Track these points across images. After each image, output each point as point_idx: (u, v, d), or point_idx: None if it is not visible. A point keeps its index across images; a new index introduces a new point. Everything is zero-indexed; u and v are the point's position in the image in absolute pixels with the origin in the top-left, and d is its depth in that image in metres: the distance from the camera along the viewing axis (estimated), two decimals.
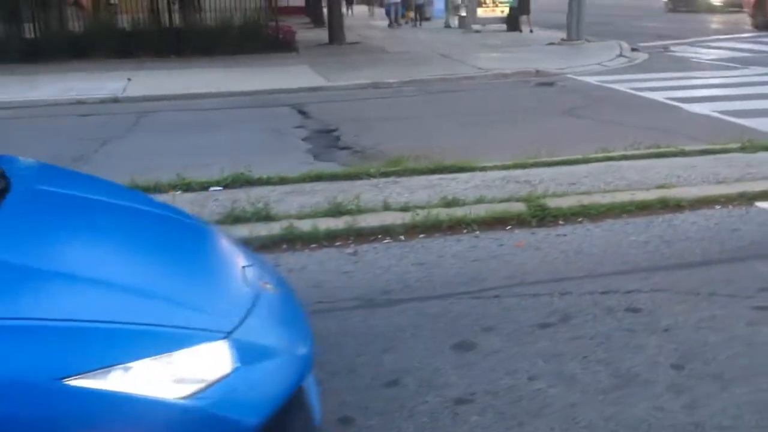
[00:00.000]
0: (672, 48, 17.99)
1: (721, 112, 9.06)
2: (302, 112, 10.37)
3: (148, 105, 11.38)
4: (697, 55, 16.15)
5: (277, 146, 8.09)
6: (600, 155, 6.46)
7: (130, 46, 17.51)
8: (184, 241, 2.70)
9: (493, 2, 24.62)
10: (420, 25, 29.06)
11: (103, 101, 11.80)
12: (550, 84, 12.72)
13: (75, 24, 18.50)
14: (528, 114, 9.78)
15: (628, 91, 11.26)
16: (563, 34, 20.01)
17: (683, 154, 6.49)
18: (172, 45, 17.65)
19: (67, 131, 9.20)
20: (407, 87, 12.79)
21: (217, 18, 19.18)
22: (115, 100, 11.88)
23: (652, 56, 16.52)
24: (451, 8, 27.79)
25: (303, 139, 8.44)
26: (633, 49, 17.79)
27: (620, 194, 5.27)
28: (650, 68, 14.37)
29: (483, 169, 6.09)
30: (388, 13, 31.47)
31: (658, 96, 10.55)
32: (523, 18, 23.97)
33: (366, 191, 5.44)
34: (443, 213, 4.82)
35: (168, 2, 18.56)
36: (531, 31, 23.58)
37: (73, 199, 2.75)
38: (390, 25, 29.91)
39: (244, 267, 2.56)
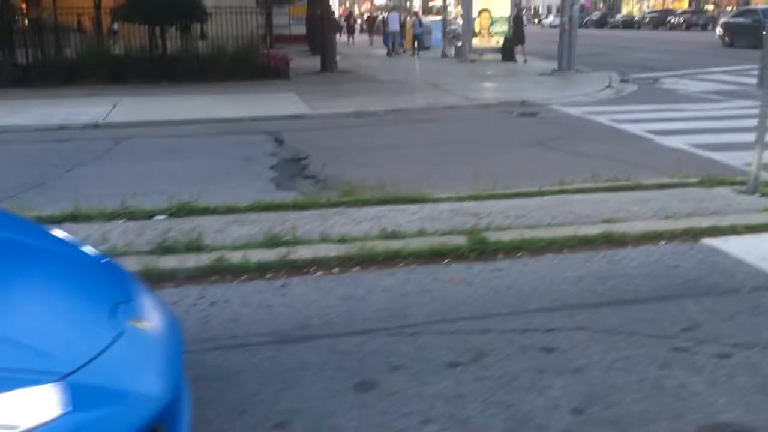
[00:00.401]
0: (661, 80, 18.02)
1: (693, 145, 9.02)
2: (279, 140, 10.37)
3: (127, 131, 11.40)
4: (686, 87, 16.15)
5: (242, 174, 8.07)
6: (555, 188, 6.41)
7: (123, 72, 17.65)
8: (48, 276, 2.62)
9: (489, 32, 24.78)
10: (418, 54, 29.27)
11: (84, 127, 11.84)
12: (533, 114, 12.72)
13: (74, 51, 18.65)
14: (501, 144, 9.76)
15: (607, 122, 11.24)
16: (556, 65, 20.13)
17: (641, 187, 6.43)
18: (163, 71, 17.77)
19: (38, 156, 9.21)
20: (390, 116, 12.81)
21: (212, 45, 19.37)
22: (96, 126, 11.92)
23: (641, 88, 16.54)
24: (448, 38, 27.98)
25: (270, 168, 8.43)
26: (623, 81, 17.85)
27: (565, 228, 5.20)
28: (635, 100, 14.38)
29: (435, 200, 6.04)
30: (386, 42, 31.76)
31: (635, 128, 10.52)
32: (518, 48, 24.15)
33: (310, 222, 5.39)
34: (380, 245, 4.76)
35: (161, 30, 18.70)
36: (525, 61, 23.74)
37: None
38: (389, 54, 30.17)
39: (118, 303, 2.50)
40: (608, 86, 16.61)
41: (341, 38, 40.46)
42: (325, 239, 4.91)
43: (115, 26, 22.86)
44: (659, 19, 55.79)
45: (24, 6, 30.06)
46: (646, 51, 29.04)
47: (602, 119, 11.53)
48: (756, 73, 16.18)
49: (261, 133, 11.02)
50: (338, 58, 26.68)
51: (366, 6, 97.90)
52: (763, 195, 6.02)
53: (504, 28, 24.57)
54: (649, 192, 6.25)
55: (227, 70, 17.99)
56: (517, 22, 24.30)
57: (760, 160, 6.14)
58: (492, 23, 24.69)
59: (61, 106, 13.56)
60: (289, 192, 7.12)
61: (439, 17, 34.02)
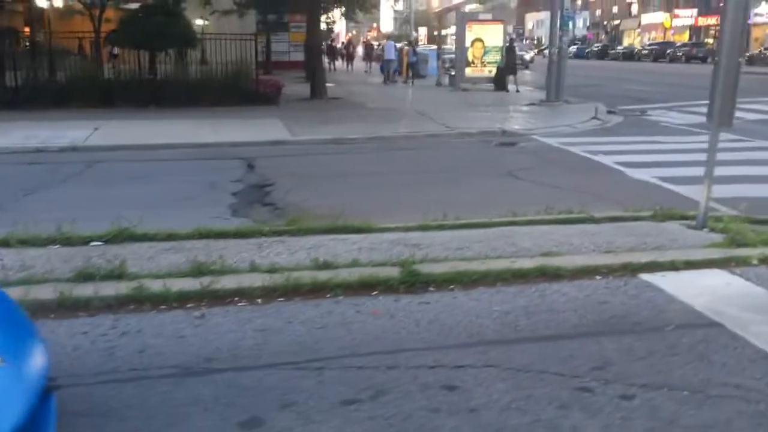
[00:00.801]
0: (649, 112, 18.02)
1: (661, 178, 8.98)
2: (251, 166, 10.37)
3: (103, 155, 11.42)
4: (671, 120, 16.14)
5: (202, 200, 8.05)
6: (505, 220, 6.35)
7: (112, 96, 17.75)
8: None
9: (482, 62, 24.89)
10: (412, 82, 29.39)
11: (62, 150, 11.86)
12: (511, 144, 12.72)
13: (66, 74, 18.79)
14: (472, 174, 9.72)
15: (582, 153, 11.20)
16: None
17: (591, 220, 6.37)
18: (152, 96, 17.87)
19: (3, 179, 9.21)
20: (368, 144, 12.81)
21: (203, 71, 19.52)
22: (74, 149, 11.93)
23: (626, 119, 16.54)
24: (442, 67, 28.11)
25: (233, 194, 8.40)
26: (609, 112, 17.85)
27: (501, 261, 5.14)
28: (617, 132, 14.38)
29: (381, 230, 5.99)
30: (382, 70, 31.95)
31: (608, 160, 10.48)
32: (510, 78, 24.22)
33: (246, 251, 5.34)
34: (307, 276, 4.70)
35: (152, 55, 18.86)
36: (517, 91, 23.82)
37: None
38: (385, 82, 30.33)
39: None
40: (593, 117, 16.60)
41: (340, 65, 40.83)
42: (254, 269, 4.85)
43: (115, 51, 23.03)
44: (659, 52, 56.06)
45: (26, 30, 30.45)
46: (642, 83, 29.11)
47: (578, 150, 11.49)
48: (745, 107, 16.20)
49: (236, 158, 11.02)
50: (332, 85, 26.90)
51: (372, 34, 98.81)
52: (712, 230, 5.95)
53: (497, 57, 24.67)
54: (598, 225, 6.19)
55: (216, 95, 18.07)
56: (509, 52, 24.41)
57: (708, 195, 6.08)
58: (485, 53, 24.79)
59: (44, 129, 13.61)
60: (243, 219, 7.09)
61: (435, 46, 34.23)
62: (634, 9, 75.52)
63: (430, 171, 10.06)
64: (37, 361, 2.65)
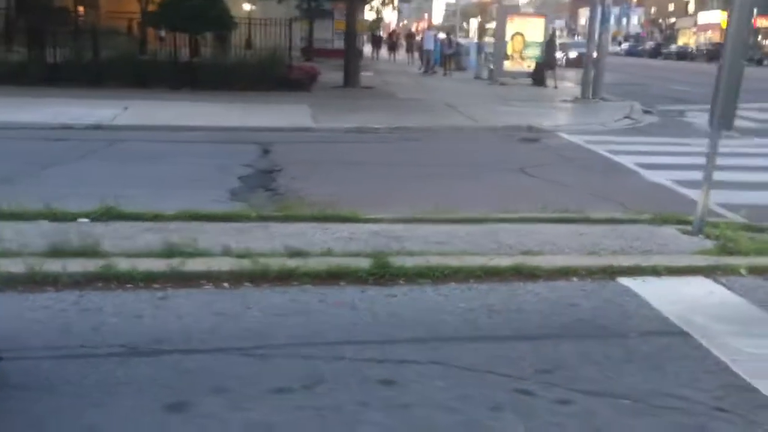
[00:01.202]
0: (688, 113, 17.55)
1: (676, 181, 8.73)
2: (266, 151, 10.43)
3: (127, 134, 11.62)
4: (706, 121, 15.65)
5: (207, 182, 8.11)
6: (497, 216, 6.26)
7: (147, 76, 18.02)
8: None
9: (521, 56, 24.56)
10: (450, 74, 29.21)
11: (88, 127, 12.08)
12: (535, 140, 12.53)
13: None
14: (484, 168, 9.61)
15: (603, 153, 10.98)
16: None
17: (586, 221, 6.24)
18: (187, 78, 18.08)
19: (26, 153, 9.46)
20: (391, 134, 12.75)
21: (239, 55, 19.72)
22: (98, 127, 12.15)
23: (661, 120, 16.15)
24: (482, 60, 27.81)
25: (239, 178, 8.46)
26: (645, 112, 17.44)
27: (478, 258, 5.06)
28: (648, 132, 14.06)
29: (367, 221, 5.96)
30: (421, 60, 31.82)
31: (628, 160, 10.25)
32: (549, 73, 23.85)
33: (226, 235, 5.37)
34: (277, 263, 4.70)
35: (190, 37, 19.07)
36: (555, 87, 23.46)
37: None
38: (425, 72, 30.20)
39: None
40: (627, 117, 16.24)
41: (385, 55, 40.75)
42: (227, 253, 4.87)
43: (162, 33, 23.38)
44: (713, 52, 54.29)
45: (82, 9, 31.13)
46: (689, 84, 28.26)
47: (600, 149, 11.26)
48: None
49: (255, 143, 11.08)
50: (370, 74, 26.89)
51: (423, 25, 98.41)
52: (707, 237, 5.76)
53: (537, 52, 24.31)
54: (590, 226, 6.06)
55: (250, 80, 18.18)
56: (549, 47, 24.02)
57: (706, 201, 5.90)
58: (525, 47, 24.45)
59: (75, 106, 13.88)
60: (240, 203, 7.12)
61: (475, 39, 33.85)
62: (691, 7, 73.56)
63: (443, 164, 9.98)
64: None
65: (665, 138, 12.87)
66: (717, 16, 66.96)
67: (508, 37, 24.44)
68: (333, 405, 3.20)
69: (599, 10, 18.81)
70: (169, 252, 4.75)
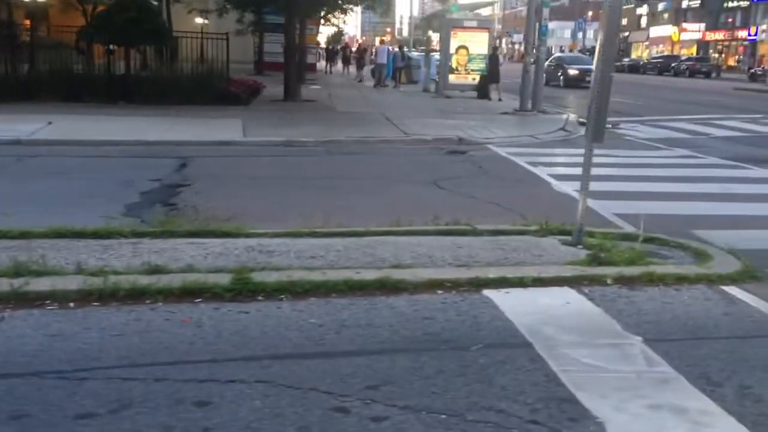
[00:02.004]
0: (622, 125, 17.78)
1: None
2: (183, 165, 10.30)
3: (42, 149, 11.37)
4: (637, 134, 15.91)
5: (105, 198, 7.94)
6: (384, 229, 6.21)
7: (81, 91, 17.72)
8: None
9: (466, 70, 24.71)
10: (399, 87, 29.33)
11: (4, 143, 11.80)
12: (462, 153, 12.56)
13: (78, 68, 18.79)
14: (398, 181, 9.57)
15: (523, 164, 11.04)
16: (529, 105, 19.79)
17: (473, 233, 6.21)
18: (122, 92, 17.83)
19: None
20: (317, 147, 12.69)
21: (175, 69, 19.51)
22: (17, 143, 11.88)
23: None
24: (428, 74, 27.95)
25: (142, 193, 8.31)
26: (581, 123, 17.61)
27: (345, 272, 4.99)
28: (576, 144, 14.12)
29: (248, 235, 5.87)
30: (373, 74, 31.89)
31: (544, 171, 10.32)
32: (493, 86, 24.03)
33: (88, 252, 5.23)
34: (128, 280, 4.57)
35: (126, 51, 18.80)
36: (500, 99, 23.61)
37: None
38: (375, 86, 30.24)
39: None
40: (561, 129, 16.39)
41: (337, 68, 40.79)
42: (80, 271, 4.73)
43: (111, 46, 23.04)
44: (664, 65, 55.67)
45: (28, 22, 30.55)
46: (633, 95, 28.75)
47: (522, 161, 11.32)
48: (721, 123, 16.02)
49: (175, 157, 10.93)
50: (318, 87, 26.88)
51: (386, 38, 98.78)
52: (585, 247, 5.76)
53: (481, 65, 24.49)
54: (475, 238, 6.03)
55: (187, 94, 17.99)
56: (492, 60, 24.23)
57: (583, 211, 5.90)
58: (469, 60, 24.63)
59: None
60: (132, 219, 6.96)
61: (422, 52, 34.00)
62: (644, 21, 75.09)
63: (359, 177, 9.92)
64: None
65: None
66: (668, 30, 68.56)
67: (453, 50, 24.57)
68: (132, 429, 3.08)
69: (535, 25, 18.98)
70: (15, 271, 4.59)
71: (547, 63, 31.87)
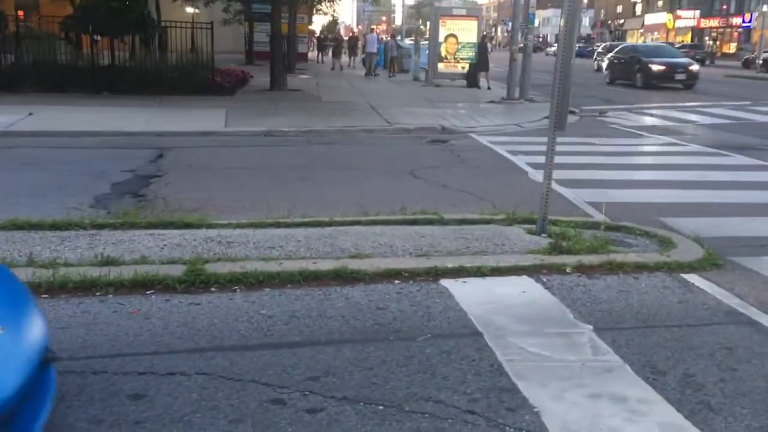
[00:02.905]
0: (609, 113, 17.74)
1: (558, 180, 8.69)
2: (160, 156, 10.23)
3: (19, 140, 11.31)
4: (622, 121, 15.86)
5: (73, 189, 7.88)
6: (350, 219, 6.18)
7: (65, 81, 17.61)
8: None
9: (455, 58, 24.60)
10: (393, 76, 29.24)
11: None
12: (443, 141, 12.49)
13: (63, 58, 18.63)
14: (373, 171, 9.52)
15: (502, 153, 11.00)
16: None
17: (439, 222, 6.18)
18: (107, 83, 17.72)
19: None
20: (298, 137, 12.62)
21: (160, 59, 19.40)
22: None
23: (581, 120, 16.25)
24: (418, 62, 27.83)
25: (113, 184, 8.25)
26: (570, 112, 17.54)
27: (302, 262, 4.95)
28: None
29: (210, 226, 5.82)
30: (364, 63, 31.74)
31: (523, 160, 10.27)
32: (482, 75, 23.94)
33: (46, 244, 5.19)
34: (78, 272, 4.53)
35: (110, 41, 18.67)
36: (489, 88, 23.52)
37: None
38: (366, 75, 30.11)
39: None
40: (546, 117, 16.28)
41: (328, 58, 40.57)
42: (30, 263, 4.68)
43: (97, 37, 22.92)
44: None
45: (21, 13, 30.32)
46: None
47: (501, 150, 11.28)
48: (709, 110, 15.92)
49: (153, 148, 10.87)
50: (307, 77, 26.76)
51: (382, 27, 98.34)
52: (549, 236, 5.73)
53: (470, 54, 24.39)
54: (440, 227, 5.99)
55: (172, 84, 17.90)
56: (481, 48, 24.12)
57: (546, 199, 5.86)
58: (459, 49, 24.51)
59: None
60: (99, 210, 6.92)
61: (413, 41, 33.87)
62: (638, 9, 74.86)
63: (335, 167, 9.86)
64: (35, 331, 2.77)
65: (573, 138, 12.89)
66: (663, 18, 68.37)
67: (441, 39, 24.46)
68: (64, 423, 3.05)
69: (522, 12, 18.88)
70: None
71: (612, 55, 28.47)
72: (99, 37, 19.45)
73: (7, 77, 17.54)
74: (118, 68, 18.51)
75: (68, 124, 12.85)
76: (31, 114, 13.62)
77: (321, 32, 56.80)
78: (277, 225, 5.94)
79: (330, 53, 41.88)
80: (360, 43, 38.83)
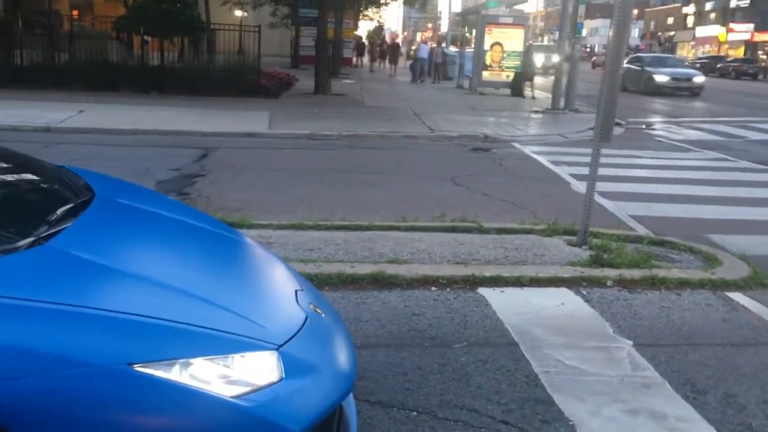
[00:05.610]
0: (656, 126, 17.48)
1: (601, 193, 8.59)
2: (204, 155, 10.40)
3: (70, 137, 11.60)
4: (669, 135, 15.60)
5: None
6: (388, 224, 6.19)
7: (116, 80, 18.02)
8: (246, 260, 3.17)
9: (500, 66, 24.50)
10: (439, 83, 29.31)
11: (35, 130, 12.07)
12: (485, 150, 12.44)
13: (114, 57, 19.15)
14: (415, 177, 9.52)
15: (545, 163, 10.91)
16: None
17: (478, 230, 6.15)
18: (155, 82, 18.07)
19: None
20: (340, 141, 12.70)
21: (208, 61, 19.74)
22: (46, 130, 12.13)
23: (626, 132, 16.04)
24: (463, 70, 27.78)
25: (159, 182, 8.40)
26: (615, 124, 17.31)
27: (340, 265, 4.98)
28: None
29: (251, 226, 5.89)
30: (412, 69, 31.83)
31: (566, 171, 10.18)
32: (527, 83, 23.79)
33: None
34: None
35: (161, 42, 19.05)
36: (533, 97, 23.38)
37: (150, 215, 3.15)
38: (412, 81, 30.21)
39: (297, 290, 2.83)
40: (591, 128, 16.12)
41: (374, 63, 40.79)
42: None
43: (147, 38, 23.47)
44: (709, 66, 54.30)
45: (75, 12, 31.18)
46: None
47: (544, 160, 11.19)
48: (758, 126, 15.51)
49: (198, 147, 11.06)
50: (351, 81, 26.92)
51: (429, 35, 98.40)
52: (590, 248, 5.66)
53: (516, 62, 24.26)
54: (479, 236, 5.96)
55: (218, 85, 18.17)
56: (527, 57, 23.97)
57: (588, 210, 5.79)
58: (504, 57, 24.39)
59: (31, 108, 13.90)
60: None
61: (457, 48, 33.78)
62: (690, 21, 73.58)
63: (377, 172, 9.89)
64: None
65: (617, 150, 12.74)
66: (715, 30, 67.09)
67: (487, 47, 24.38)
68: None
69: (568, 21, 18.73)
70: None
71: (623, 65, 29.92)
72: (149, 38, 19.91)
73: (61, 75, 18.00)
74: (167, 69, 18.87)
75: (117, 122, 13.14)
76: (81, 111, 13.98)
77: (367, 38, 57.16)
78: (317, 227, 5.98)
79: (368, 58, 42.19)
80: (404, 50, 38.91)
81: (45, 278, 2.27)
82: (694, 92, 27.82)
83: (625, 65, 28.85)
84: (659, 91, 27.44)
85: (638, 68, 29.05)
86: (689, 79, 28.21)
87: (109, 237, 2.73)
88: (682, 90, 27.69)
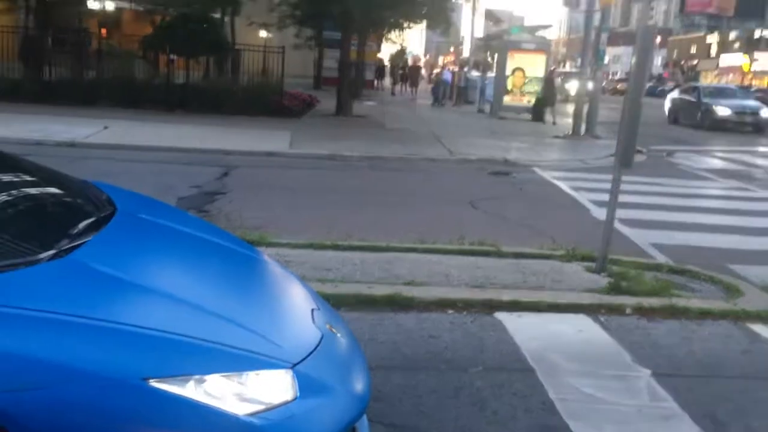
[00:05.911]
0: (678, 154, 17.37)
1: (621, 219, 8.53)
2: (225, 174, 10.48)
3: (94, 152, 11.75)
4: (691, 163, 15.48)
5: None
6: (406, 245, 6.17)
7: (142, 98, 18.27)
8: (264, 278, 3.20)
9: (520, 91, 24.54)
10: (460, 107, 29.45)
11: (60, 144, 12.25)
12: (504, 174, 12.43)
13: (140, 75, 19.46)
14: (434, 200, 9.52)
15: (565, 189, 10.87)
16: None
17: (497, 254, 6.12)
18: (180, 101, 18.29)
19: None
20: (360, 162, 12.75)
21: (232, 80, 19.98)
22: (71, 145, 12.31)
23: (648, 160, 15.92)
24: (484, 94, 27.88)
25: (180, 198, 8.47)
26: (636, 151, 17.23)
27: (357, 286, 4.98)
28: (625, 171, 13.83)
29: (269, 245, 5.91)
30: (434, 92, 32.02)
31: (586, 197, 10.13)
32: (548, 109, 23.79)
33: None
34: None
35: (186, 61, 19.32)
36: (554, 123, 23.33)
37: (170, 230, 3.19)
38: (434, 104, 30.37)
39: (313, 309, 2.83)
40: (611, 155, 16.03)
41: (395, 86, 41.04)
42: None
43: (173, 56, 23.81)
44: (763, 99, 53.86)
45: (104, 31, 31.74)
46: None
47: (564, 185, 11.15)
48: None
49: (219, 165, 11.16)
50: (373, 103, 27.08)
51: (451, 59, 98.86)
52: (610, 275, 5.61)
53: (537, 88, 24.29)
54: (497, 260, 5.93)
55: (242, 104, 18.35)
56: (548, 83, 24.00)
57: (608, 237, 5.75)
58: (525, 83, 24.45)
59: (57, 123, 14.12)
60: None
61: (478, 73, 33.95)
62: (713, 50, 73.34)
63: (396, 193, 9.91)
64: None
65: (638, 177, 12.65)
66: (739, 59, 66.73)
67: (509, 72, 24.45)
68: None
69: (591, 49, 18.75)
70: None
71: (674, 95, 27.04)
72: (175, 57, 20.22)
73: (87, 92, 18.28)
74: (192, 87, 19.11)
75: (141, 138, 13.31)
76: (106, 127, 14.17)
77: (390, 60, 57.54)
78: (335, 247, 5.99)
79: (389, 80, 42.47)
80: (426, 73, 39.14)
81: (64, 291, 2.30)
82: (759, 127, 24.88)
83: (677, 95, 28.18)
84: (720, 125, 24.49)
85: (693, 99, 26.43)
86: (756, 113, 25.00)
87: (130, 251, 2.76)
88: (747, 125, 24.87)
